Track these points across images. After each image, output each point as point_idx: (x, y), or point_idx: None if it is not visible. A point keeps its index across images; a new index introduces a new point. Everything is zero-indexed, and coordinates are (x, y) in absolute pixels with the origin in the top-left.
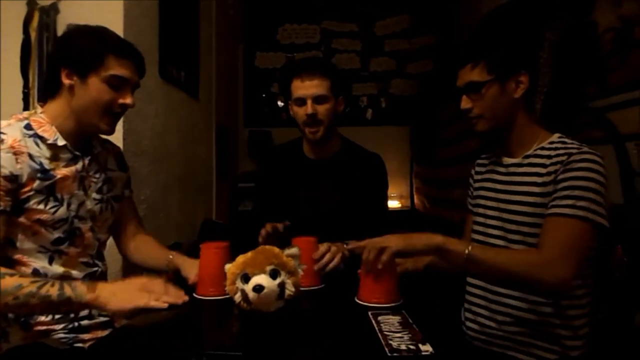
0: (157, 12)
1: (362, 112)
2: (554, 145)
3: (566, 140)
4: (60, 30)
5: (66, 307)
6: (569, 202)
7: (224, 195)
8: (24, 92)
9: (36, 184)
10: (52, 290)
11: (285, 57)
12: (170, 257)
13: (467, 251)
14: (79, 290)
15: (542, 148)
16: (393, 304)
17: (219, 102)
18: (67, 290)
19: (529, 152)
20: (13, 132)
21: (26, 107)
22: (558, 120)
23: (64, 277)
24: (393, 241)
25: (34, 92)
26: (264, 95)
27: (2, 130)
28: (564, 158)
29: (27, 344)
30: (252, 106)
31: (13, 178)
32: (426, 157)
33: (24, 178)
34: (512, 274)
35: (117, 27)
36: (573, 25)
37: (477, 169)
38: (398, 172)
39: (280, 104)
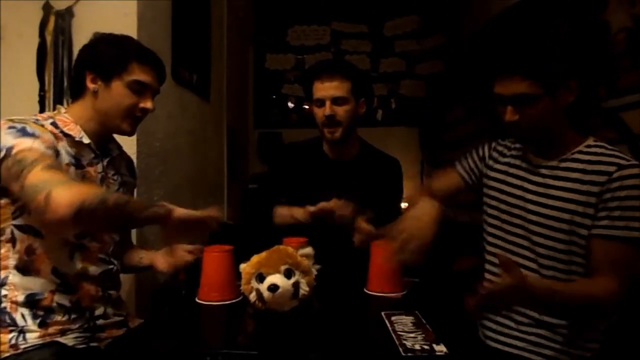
0: (169, 15)
1: (372, 113)
2: (593, 150)
3: (605, 145)
4: (75, 34)
5: (149, 212)
6: (622, 223)
7: (235, 197)
8: (40, 95)
9: (71, 169)
10: (120, 195)
11: (295, 59)
12: (141, 257)
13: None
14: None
15: (580, 152)
16: (401, 293)
17: (229, 103)
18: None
19: (565, 156)
20: (47, 124)
21: (42, 110)
22: (571, 121)
23: (81, 275)
24: (516, 302)
25: (50, 95)
26: (274, 96)
27: (37, 118)
28: (611, 169)
29: (44, 343)
30: (262, 108)
31: (57, 153)
32: (436, 158)
33: (62, 159)
34: (578, 307)
35: (130, 30)
36: (585, 24)
37: (495, 154)
38: (407, 173)
39: (290, 105)
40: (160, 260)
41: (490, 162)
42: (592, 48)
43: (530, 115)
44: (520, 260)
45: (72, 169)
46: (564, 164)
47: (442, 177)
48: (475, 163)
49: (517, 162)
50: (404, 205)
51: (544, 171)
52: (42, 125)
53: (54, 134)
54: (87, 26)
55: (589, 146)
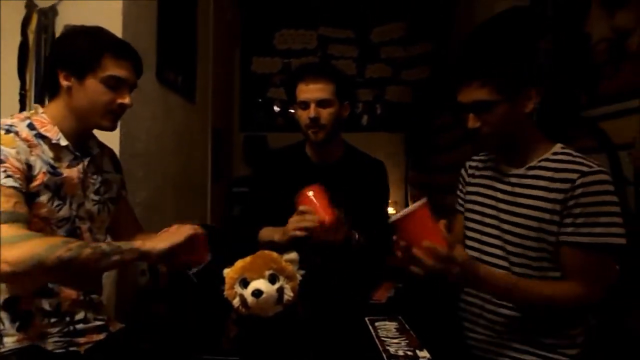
0: (155, 16)
1: (358, 118)
2: (558, 157)
3: (571, 152)
4: (58, 33)
5: (118, 257)
6: (587, 229)
7: (218, 200)
8: (20, 94)
9: (47, 178)
10: (102, 244)
11: (281, 63)
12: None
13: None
14: (124, 244)
15: (547, 160)
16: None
17: (215, 106)
18: (115, 243)
19: (532, 164)
20: (22, 128)
21: (23, 109)
22: (552, 129)
23: None
24: (461, 276)
25: (31, 94)
26: (260, 99)
27: (13, 124)
28: (574, 176)
29: (22, 347)
30: (248, 111)
31: (28, 167)
32: (421, 163)
33: (36, 170)
34: (546, 306)
35: (115, 30)
36: (566, 35)
37: (470, 171)
38: (393, 178)
39: (276, 109)
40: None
41: (469, 179)
42: (571, 58)
43: (491, 122)
44: (497, 269)
45: (48, 176)
46: (531, 171)
47: (454, 226)
48: (461, 192)
49: (490, 173)
50: (391, 210)
51: (513, 179)
52: (17, 133)
53: (28, 142)
54: (71, 24)
55: (555, 153)
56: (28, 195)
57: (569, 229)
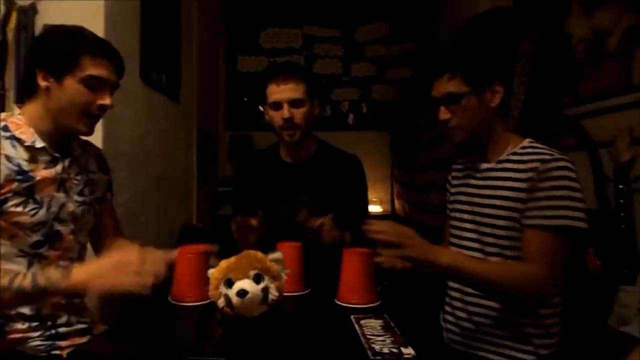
0: (138, 14)
1: (344, 117)
2: (526, 150)
3: (537, 145)
4: (38, 31)
5: (42, 298)
6: (548, 212)
7: (204, 199)
8: None
9: (14, 185)
10: (25, 282)
11: (267, 61)
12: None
13: (444, 260)
14: (53, 278)
15: (515, 153)
16: (372, 305)
17: (200, 105)
18: (41, 280)
19: (502, 157)
20: None
21: (1, 109)
22: (534, 128)
23: None
24: (416, 249)
25: (11, 94)
26: (245, 99)
27: None
28: (536, 165)
29: (2, 352)
30: (234, 110)
31: None
32: (406, 162)
33: (1, 179)
34: (496, 286)
35: (97, 29)
36: (547, 35)
37: (454, 173)
38: (379, 176)
39: (261, 108)
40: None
41: (454, 182)
42: (552, 58)
43: (460, 114)
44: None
45: (16, 184)
46: (500, 165)
47: (445, 230)
48: (448, 196)
49: (467, 171)
50: (374, 208)
51: (484, 173)
52: None
53: None
54: (51, 23)
55: (524, 147)
56: None
57: (532, 213)
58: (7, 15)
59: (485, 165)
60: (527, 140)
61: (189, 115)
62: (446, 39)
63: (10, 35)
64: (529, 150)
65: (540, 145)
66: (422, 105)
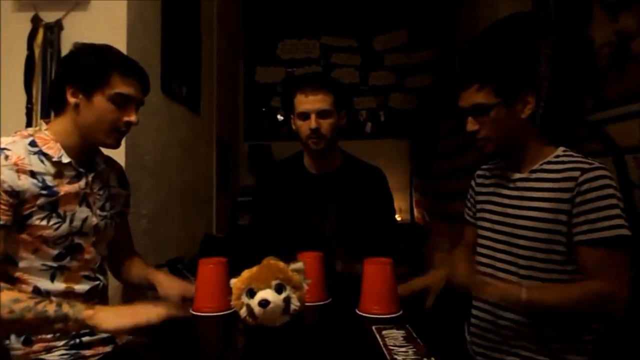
0: (159, 28)
1: (362, 126)
2: (560, 159)
3: (572, 153)
4: (64, 47)
5: (62, 325)
6: (600, 224)
7: (224, 209)
8: (27, 108)
9: (39, 200)
10: (50, 307)
11: (285, 72)
12: (147, 273)
13: (524, 296)
14: (77, 307)
15: (549, 162)
16: (394, 315)
17: (219, 116)
18: (65, 308)
19: (535, 167)
20: (17, 149)
21: (29, 123)
22: (556, 134)
23: (67, 294)
24: (496, 296)
25: (37, 108)
26: (263, 109)
27: (6, 147)
28: (576, 174)
29: None
30: (252, 120)
31: (15, 194)
32: (425, 170)
33: (27, 195)
34: (579, 309)
35: (120, 43)
36: (569, 38)
37: (479, 180)
38: (397, 185)
39: (280, 117)
40: (166, 284)
41: (478, 189)
42: (575, 62)
43: (488, 125)
44: (507, 276)
45: (42, 199)
46: (534, 175)
47: (465, 235)
48: (470, 202)
49: (496, 180)
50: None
51: (517, 184)
52: (6, 157)
53: (17, 166)
54: (77, 39)
55: (557, 156)
56: (22, 218)
57: (584, 227)
58: (33, 32)
59: (517, 175)
60: (561, 149)
61: (209, 126)
62: (466, 47)
63: (37, 51)
64: (564, 159)
65: (575, 154)
66: (442, 113)
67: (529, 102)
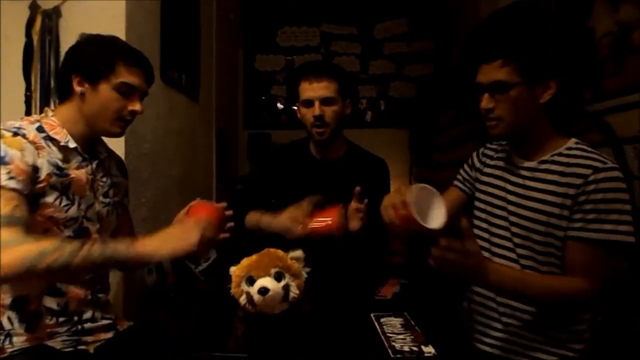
0: (158, 16)
1: (362, 115)
2: (572, 153)
3: (585, 147)
4: (62, 34)
5: (112, 262)
6: (596, 226)
7: (223, 197)
8: (26, 95)
9: (53, 179)
10: (94, 249)
11: (285, 60)
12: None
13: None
14: (119, 248)
15: (560, 154)
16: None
17: (218, 104)
18: (107, 251)
19: (545, 158)
20: (31, 130)
21: (28, 110)
22: (557, 123)
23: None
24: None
25: (36, 96)
26: (263, 97)
27: (21, 126)
28: (587, 172)
29: (31, 347)
30: (252, 109)
31: (35, 169)
32: (425, 160)
33: (43, 172)
34: (538, 301)
35: (119, 30)
36: (570, 29)
37: (483, 158)
38: (397, 174)
39: (280, 106)
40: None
41: (480, 166)
42: (576, 52)
43: (505, 105)
44: (503, 261)
45: (54, 177)
46: (543, 165)
47: (446, 195)
48: (467, 173)
49: (502, 163)
50: None
51: (524, 172)
52: (24, 135)
53: (35, 144)
54: (75, 26)
55: (569, 148)
56: (34, 196)
57: (578, 224)
58: (31, 19)
59: (525, 164)
60: (573, 140)
61: (208, 115)
62: (466, 36)
63: (36, 38)
64: (576, 152)
65: (589, 149)
66: (442, 103)
67: (550, 87)
